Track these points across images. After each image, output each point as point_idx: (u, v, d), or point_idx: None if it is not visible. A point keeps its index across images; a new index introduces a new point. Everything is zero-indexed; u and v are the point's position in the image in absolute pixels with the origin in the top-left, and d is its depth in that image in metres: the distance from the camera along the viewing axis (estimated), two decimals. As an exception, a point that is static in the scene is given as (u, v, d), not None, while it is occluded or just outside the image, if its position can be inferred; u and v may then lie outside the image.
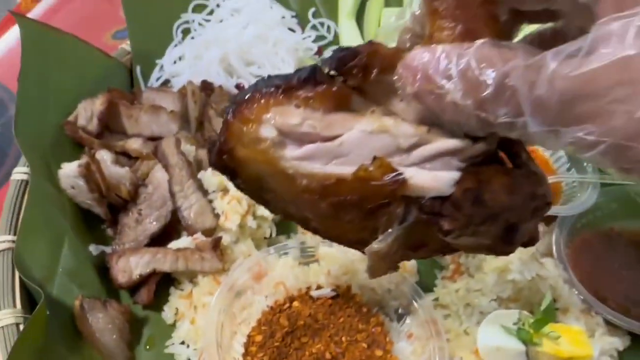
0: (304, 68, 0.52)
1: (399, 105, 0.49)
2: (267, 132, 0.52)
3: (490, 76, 0.40)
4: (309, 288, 0.81)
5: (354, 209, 0.53)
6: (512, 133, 0.42)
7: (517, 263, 0.91)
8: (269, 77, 0.53)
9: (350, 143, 0.51)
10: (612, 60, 0.36)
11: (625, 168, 0.40)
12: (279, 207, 0.59)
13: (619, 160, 0.39)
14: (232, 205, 0.89)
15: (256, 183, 0.56)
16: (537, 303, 0.85)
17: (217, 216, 0.89)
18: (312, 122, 0.52)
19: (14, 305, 0.80)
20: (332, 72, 0.50)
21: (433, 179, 0.49)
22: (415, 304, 0.81)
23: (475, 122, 0.42)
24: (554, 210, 0.92)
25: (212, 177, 0.92)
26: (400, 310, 0.83)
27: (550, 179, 0.96)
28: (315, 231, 0.62)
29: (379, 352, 0.78)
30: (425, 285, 0.92)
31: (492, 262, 0.92)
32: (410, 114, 0.48)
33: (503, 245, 0.58)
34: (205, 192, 0.91)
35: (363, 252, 0.58)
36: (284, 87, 0.53)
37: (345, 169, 0.51)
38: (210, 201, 0.91)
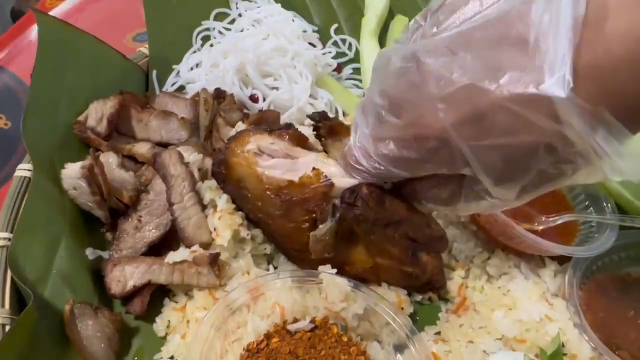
0: (285, 124, 0.86)
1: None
2: (251, 146, 0.82)
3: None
4: (285, 322, 0.78)
5: (298, 207, 0.78)
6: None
7: (526, 302, 0.87)
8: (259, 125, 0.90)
9: (302, 163, 0.80)
10: None
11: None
12: (250, 204, 0.83)
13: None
14: (224, 220, 0.86)
15: (238, 183, 0.83)
16: (544, 346, 0.81)
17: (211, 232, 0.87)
18: (280, 145, 0.81)
19: (2, 305, 0.78)
20: (313, 121, 0.82)
21: (348, 182, 0.75)
22: (409, 340, 0.77)
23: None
24: (569, 251, 0.88)
25: (207, 192, 0.89)
26: (396, 344, 0.80)
27: (567, 217, 0.92)
28: (271, 237, 0.87)
29: (365, 381, 0.75)
30: (428, 318, 0.89)
31: (499, 299, 0.88)
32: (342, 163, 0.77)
33: (410, 260, 0.82)
34: (203, 207, 0.89)
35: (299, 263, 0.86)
36: (268, 129, 0.84)
37: (294, 177, 0.78)
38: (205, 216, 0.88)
